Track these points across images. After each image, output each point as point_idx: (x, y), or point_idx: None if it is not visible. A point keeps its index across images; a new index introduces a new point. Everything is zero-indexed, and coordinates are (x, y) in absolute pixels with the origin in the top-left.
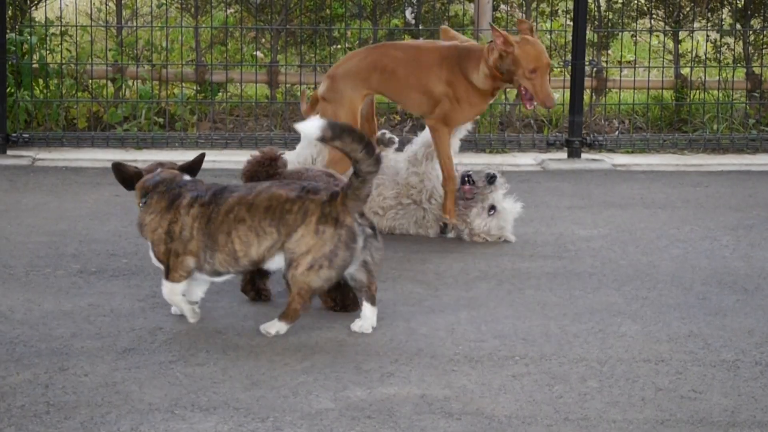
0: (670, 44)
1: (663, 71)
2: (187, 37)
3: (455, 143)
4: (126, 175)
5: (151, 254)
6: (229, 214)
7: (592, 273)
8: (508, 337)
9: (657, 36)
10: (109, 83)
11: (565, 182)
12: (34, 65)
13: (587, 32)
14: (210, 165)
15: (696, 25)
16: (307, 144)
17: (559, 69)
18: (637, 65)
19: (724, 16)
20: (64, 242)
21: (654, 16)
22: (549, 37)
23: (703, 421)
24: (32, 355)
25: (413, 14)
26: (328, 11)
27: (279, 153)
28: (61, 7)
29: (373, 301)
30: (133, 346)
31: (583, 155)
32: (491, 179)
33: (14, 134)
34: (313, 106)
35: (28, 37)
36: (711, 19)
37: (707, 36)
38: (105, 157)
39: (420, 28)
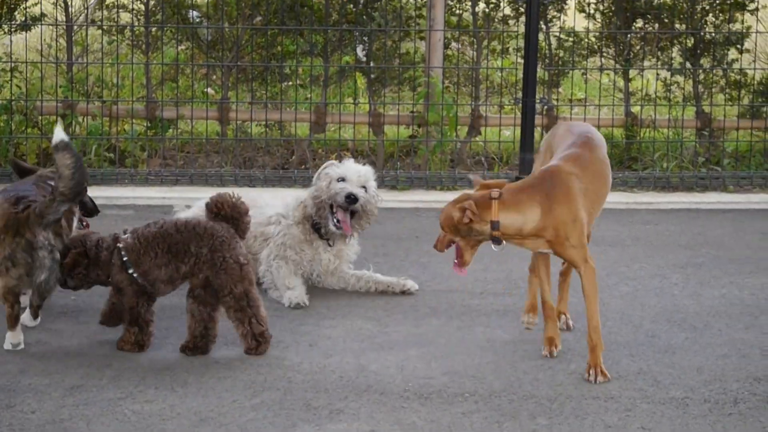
0: (621, 82)
1: (613, 109)
2: (137, 74)
3: None
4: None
5: None
6: None
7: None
8: (457, 373)
9: (607, 74)
10: (59, 119)
11: None
12: None
13: (538, 70)
14: (160, 201)
15: (646, 63)
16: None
17: (510, 107)
18: (587, 103)
19: (674, 55)
20: None
21: (604, 54)
22: (500, 75)
23: None
24: None
25: (364, 51)
26: (279, 48)
27: None
28: (10, 43)
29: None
30: (81, 383)
31: None
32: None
33: None
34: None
35: None
36: (661, 57)
37: (657, 74)
38: None
39: (371, 65)
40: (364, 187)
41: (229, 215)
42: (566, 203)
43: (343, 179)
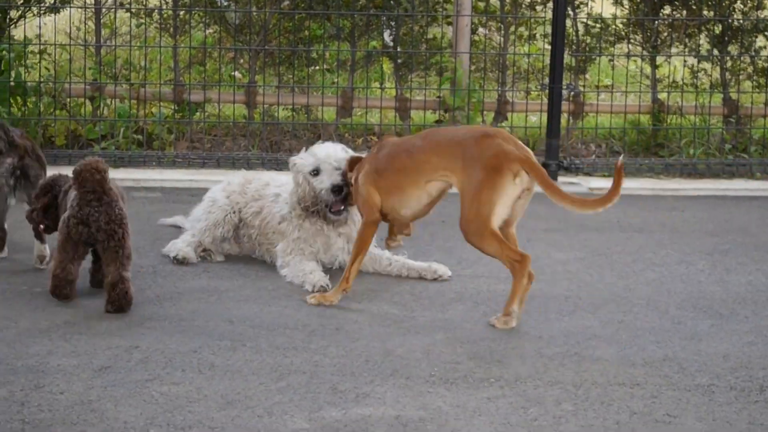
0: (648, 69)
1: (640, 96)
2: (165, 57)
3: None
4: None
5: None
6: None
7: (568, 296)
8: (483, 359)
9: (634, 61)
10: (88, 101)
11: (542, 205)
12: (11, 83)
13: (565, 56)
14: (187, 184)
15: (673, 50)
16: None
17: (536, 92)
18: (614, 90)
19: (701, 42)
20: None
21: (632, 41)
22: (527, 60)
23: None
24: (8, 373)
25: (391, 36)
26: (306, 32)
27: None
28: (39, 26)
29: None
30: (109, 365)
31: (560, 178)
32: None
33: None
34: None
35: (7, 55)
36: (688, 44)
37: (684, 61)
38: None
39: (398, 50)
40: (339, 168)
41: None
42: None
43: (317, 172)
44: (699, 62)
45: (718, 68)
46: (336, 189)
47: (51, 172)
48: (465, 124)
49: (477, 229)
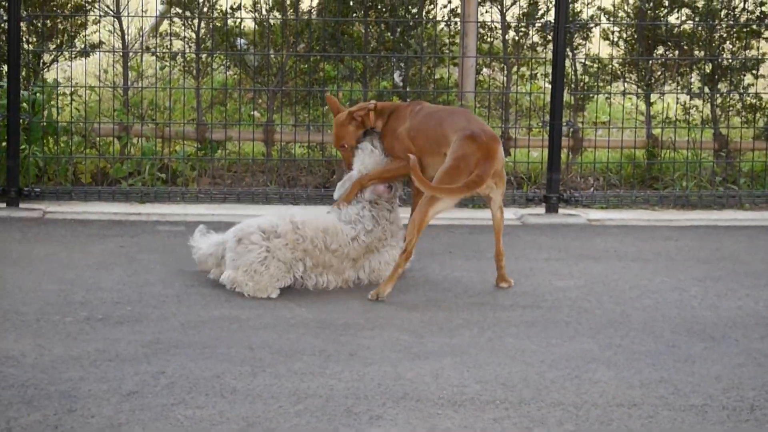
0: (642, 106)
1: (635, 132)
2: (188, 98)
3: None
4: None
5: None
6: None
7: (569, 322)
8: (489, 382)
9: (630, 98)
10: (115, 140)
11: (543, 236)
12: (44, 123)
13: (564, 94)
14: (209, 218)
15: (667, 88)
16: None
17: (538, 129)
18: (611, 126)
19: (692, 80)
20: (72, 290)
21: (627, 79)
22: (528, 99)
23: None
24: (42, 398)
25: (401, 77)
26: (321, 74)
27: None
28: (71, 68)
29: None
30: (137, 390)
31: (561, 210)
32: None
33: (26, 188)
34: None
35: (40, 96)
36: (681, 82)
37: (677, 99)
38: (110, 210)
39: (408, 90)
40: None
41: None
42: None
43: None
44: (691, 99)
45: (708, 105)
46: None
47: (81, 207)
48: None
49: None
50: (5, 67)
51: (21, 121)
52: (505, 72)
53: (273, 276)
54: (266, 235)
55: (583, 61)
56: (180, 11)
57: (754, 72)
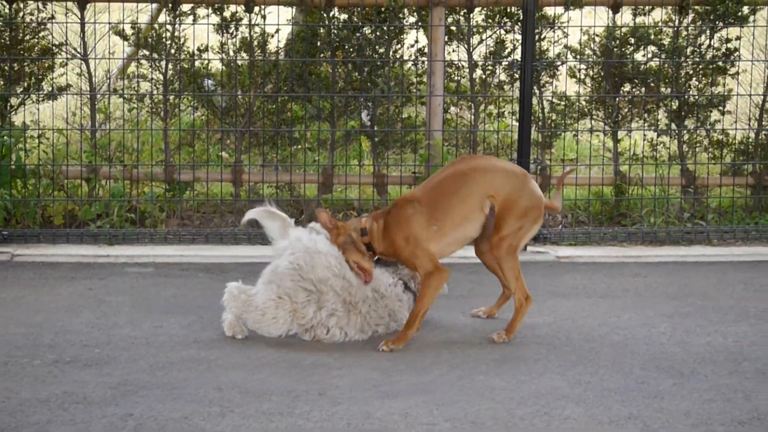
0: (610, 143)
1: (603, 168)
2: (156, 139)
3: None
4: None
5: None
6: None
7: (538, 359)
8: (458, 420)
9: (597, 136)
10: (84, 182)
11: None
12: (12, 166)
13: (532, 132)
14: (178, 259)
15: (634, 125)
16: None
17: None
18: (578, 163)
19: (660, 117)
20: (40, 333)
21: (594, 117)
22: (496, 137)
23: None
24: None
25: (369, 116)
26: (288, 114)
27: None
28: (38, 111)
29: None
30: None
31: (529, 248)
32: None
33: None
34: None
35: (7, 140)
36: (648, 119)
37: (644, 135)
38: (79, 252)
39: (375, 129)
40: None
41: None
42: (399, 227)
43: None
44: (658, 136)
45: (675, 141)
46: None
47: (49, 250)
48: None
49: (509, 247)
50: None
51: None
52: (473, 110)
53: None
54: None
55: (550, 98)
56: (147, 53)
57: (720, 108)
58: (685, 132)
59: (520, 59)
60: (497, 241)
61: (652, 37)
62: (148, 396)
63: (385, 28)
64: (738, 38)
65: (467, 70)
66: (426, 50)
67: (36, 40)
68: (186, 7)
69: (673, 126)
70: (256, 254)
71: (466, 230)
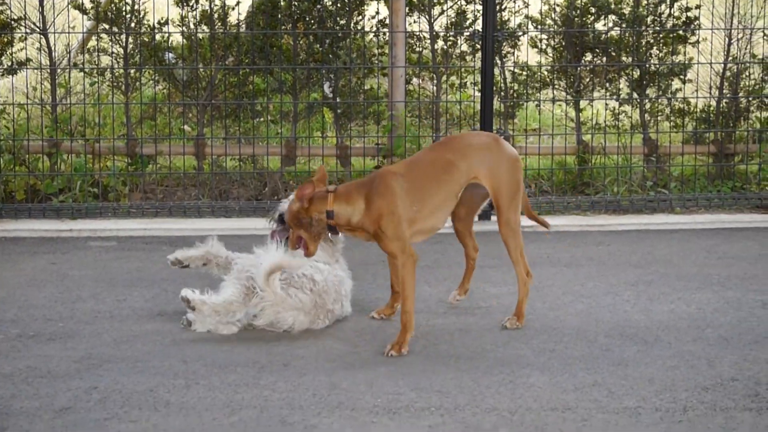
0: (572, 113)
1: (566, 138)
2: (118, 113)
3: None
4: None
5: None
6: None
7: (502, 328)
8: (424, 389)
9: (560, 105)
10: (45, 157)
11: (478, 243)
12: None
13: (494, 103)
14: (141, 233)
15: (596, 94)
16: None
17: None
18: (541, 133)
19: (621, 86)
20: (3, 308)
21: (556, 86)
22: (459, 107)
23: None
24: None
25: (331, 88)
26: (250, 86)
27: None
28: None
29: None
30: (70, 405)
31: (493, 218)
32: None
33: None
34: None
35: None
36: (609, 88)
37: (606, 104)
38: (42, 227)
39: (338, 101)
40: None
41: None
42: (384, 199)
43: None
44: (620, 105)
45: (637, 110)
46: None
47: (11, 225)
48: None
49: (516, 224)
50: None
51: None
52: (435, 81)
53: None
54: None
55: (512, 69)
56: (107, 27)
57: (681, 77)
58: (646, 101)
59: (481, 30)
60: (504, 223)
61: (613, 6)
62: (112, 369)
63: None
64: (698, 7)
65: (429, 41)
66: (387, 21)
67: None
68: None
69: (635, 95)
70: (220, 227)
71: (437, 220)
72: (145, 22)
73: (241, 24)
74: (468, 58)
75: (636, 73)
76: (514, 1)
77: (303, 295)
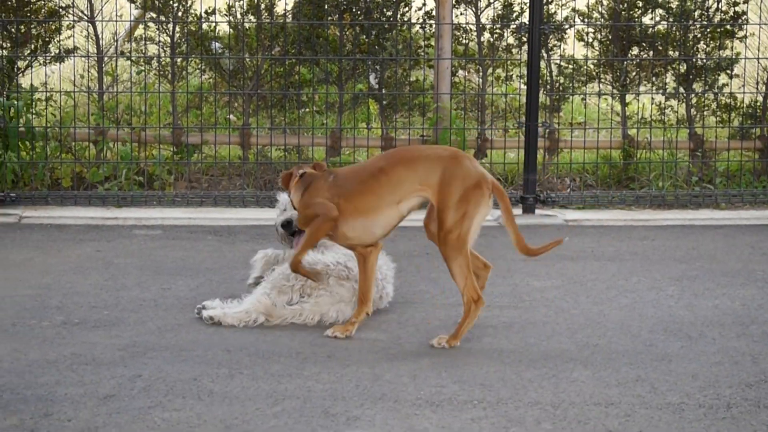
0: (618, 107)
1: (611, 132)
2: (164, 102)
3: None
4: None
5: None
6: None
7: (546, 322)
8: (467, 382)
9: (605, 99)
10: (92, 145)
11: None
12: (20, 129)
13: (540, 96)
14: (186, 222)
15: (642, 88)
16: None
17: (514, 130)
18: (587, 127)
19: (668, 80)
20: (48, 295)
21: (602, 80)
22: (504, 100)
23: None
24: (18, 402)
25: (377, 79)
26: (296, 77)
27: None
28: (46, 74)
29: None
30: (114, 393)
31: (537, 211)
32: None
33: (2, 194)
34: None
35: (16, 102)
36: (656, 83)
37: (652, 99)
38: (87, 214)
39: (383, 92)
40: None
41: None
42: (308, 191)
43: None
44: (666, 99)
45: (683, 105)
46: (286, 224)
47: (57, 212)
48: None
49: (457, 241)
50: None
51: None
52: (481, 74)
53: None
54: None
55: (558, 62)
56: (154, 15)
57: (728, 72)
58: (693, 95)
59: (527, 22)
60: (443, 237)
61: (660, 0)
62: (156, 357)
63: None
64: (746, 1)
65: (475, 33)
66: (434, 13)
67: (43, 2)
68: None
69: (681, 89)
70: (264, 216)
71: (368, 222)
72: (192, 11)
73: (287, 14)
74: (514, 50)
75: (683, 68)
76: None
77: (340, 288)
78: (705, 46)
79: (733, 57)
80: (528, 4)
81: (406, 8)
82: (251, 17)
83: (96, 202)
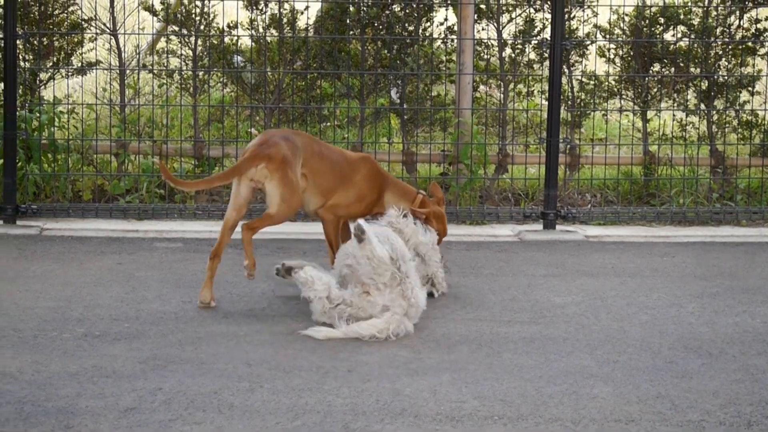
0: (639, 123)
1: (632, 148)
2: (186, 115)
3: None
4: None
5: None
6: None
7: (566, 338)
8: (487, 398)
9: (627, 115)
10: (113, 158)
11: (541, 252)
12: (43, 141)
13: (561, 111)
14: (207, 235)
15: (663, 105)
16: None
17: (535, 146)
18: (608, 143)
19: (689, 97)
20: (69, 307)
21: (624, 96)
22: (525, 116)
23: None
24: (39, 414)
25: (398, 94)
26: (318, 91)
27: None
28: (68, 86)
29: None
30: (135, 406)
31: (558, 227)
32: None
33: (23, 205)
34: None
35: (38, 115)
36: (677, 99)
37: (673, 115)
38: (108, 227)
39: (405, 107)
40: None
41: None
42: None
43: None
44: (687, 116)
45: (705, 122)
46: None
47: (78, 224)
48: (469, 176)
49: None
50: (1, 85)
51: (19, 138)
52: (502, 89)
53: None
54: None
55: (579, 78)
56: (177, 29)
57: (749, 89)
58: (714, 112)
59: (549, 38)
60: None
61: (682, 16)
62: (177, 371)
63: (414, 5)
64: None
65: (497, 49)
66: (455, 28)
67: (65, 15)
68: None
69: (703, 106)
70: (285, 230)
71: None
72: (214, 24)
73: (309, 28)
74: (536, 66)
75: (704, 85)
76: (583, 10)
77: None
78: (726, 63)
79: (755, 74)
80: (550, 20)
81: (428, 23)
82: (273, 31)
83: (117, 214)
